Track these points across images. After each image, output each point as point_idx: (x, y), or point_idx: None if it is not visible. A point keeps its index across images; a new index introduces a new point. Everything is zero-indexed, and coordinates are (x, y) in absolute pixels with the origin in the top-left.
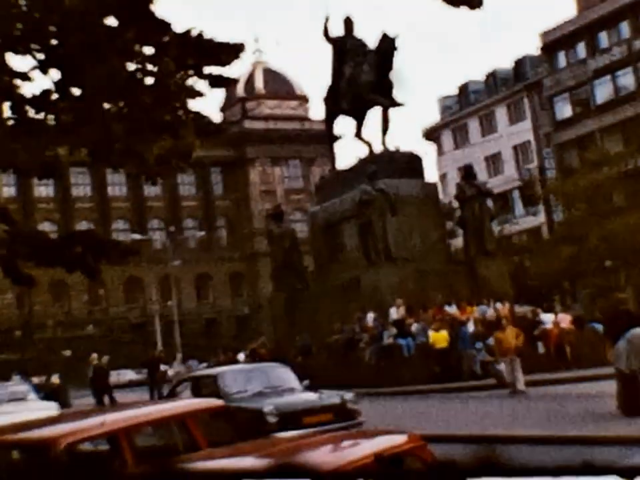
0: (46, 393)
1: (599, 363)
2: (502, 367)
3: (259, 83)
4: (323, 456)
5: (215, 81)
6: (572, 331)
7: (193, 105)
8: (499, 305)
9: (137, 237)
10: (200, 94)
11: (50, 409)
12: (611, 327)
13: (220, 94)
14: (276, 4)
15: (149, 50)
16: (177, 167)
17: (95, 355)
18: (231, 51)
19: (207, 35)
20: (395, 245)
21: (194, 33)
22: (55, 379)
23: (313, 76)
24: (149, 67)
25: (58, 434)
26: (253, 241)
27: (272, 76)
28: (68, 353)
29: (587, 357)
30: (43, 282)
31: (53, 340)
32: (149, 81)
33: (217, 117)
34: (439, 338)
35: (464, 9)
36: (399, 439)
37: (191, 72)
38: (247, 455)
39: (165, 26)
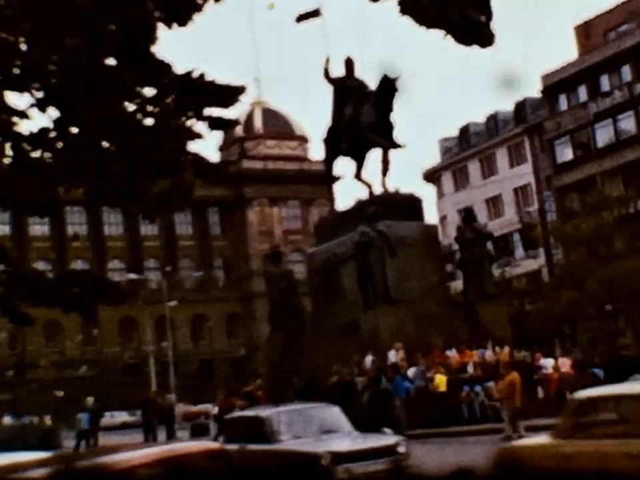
0: None
1: None
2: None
3: (258, 123)
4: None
5: (215, 123)
6: (572, 375)
7: (192, 146)
8: (497, 349)
9: (133, 276)
10: (199, 136)
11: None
12: (612, 372)
13: (218, 133)
14: (276, 44)
15: (149, 91)
16: (176, 206)
17: (90, 399)
18: (231, 94)
19: (208, 77)
20: (394, 287)
21: (195, 74)
22: (47, 419)
23: (313, 116)
24: (149, 107)
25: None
26: (250, 281)
27: (271, 116)
28: (61, 393)
29: None
30: (37, 322)
31: (45, 380)
32: (149, 121)
33: (215, 156)
34: (441, 382)
35: (475, 48)
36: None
37: (190, 113)
38: None
39: (165, 67)
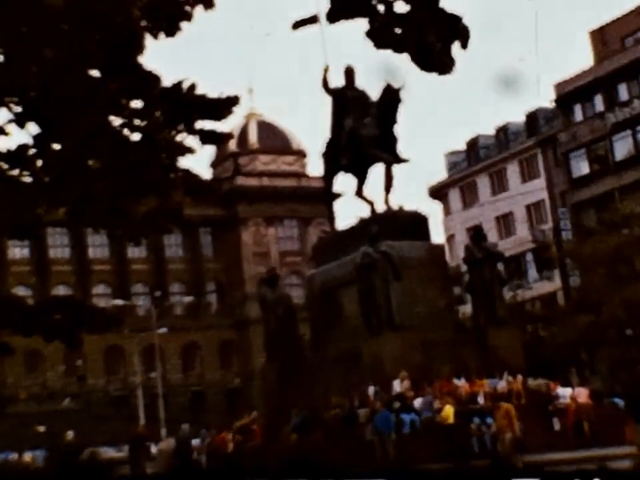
0: None
1: (619, 441)
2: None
3: (253, 137)
4: None
5: (207, 137)
6: (590, 406)
7: (183, 162)
8: (510, 378)
9: (120, 302)
10: (191, 150)
11: None
12: (634, 402)
13: (210, 149)
14: (272, 52)
15: (136, 104)
16: (165, 227)
17: (70, 433)
18: (224, 105)
19: (199, 88)
20: (398, 312)
21: (185, 85)
22: (27, 456)
23: (311, 129)
24: (136, 121)
25: None
26: (244, 307)
27: (267, 129)
28: (42, 428)
29: (606, 435)
30: (17, 352)
31: (26, 414)
32: (136, 136)
33: (206, 173)
34: (449, 413)
35: (434, 74)
36: None
37: (180, 127)
38: None
39: (153, 79)
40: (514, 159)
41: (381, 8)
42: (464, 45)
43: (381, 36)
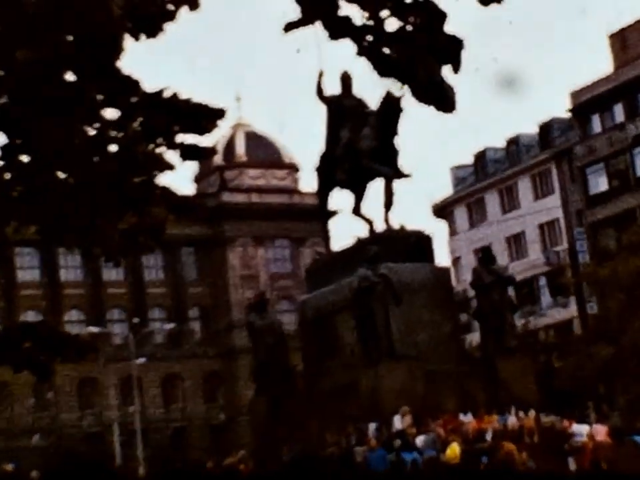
0: None
1: None
2: None
3: (240, 149)
4: None
5: (188, 152)
6: (609, 444)
7: (163, 177)
8: (521, 414)
9: (94, 329)
10: (170, 167)
11: None
12: None
13: (193, 163)
14: (261, 57)
15: (113, 113)
16: (145, 245)
17: (35, 473)
18: (209, 117)
19: (181, 97)
20: (399, 340)
21: (166, 94)
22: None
23: (304, 141)
24: (112, 132)
25: None
26: (231, 335)
27: (255, 141)
28: (10, 467)
29: (627, 477)
30: None
31: None
32: (112, 148)
33: (190, 188)
34: (455, 452)
35: (434, 110)
36: None
37: (160, 140)
38: None
39: (133, 85)
40: (526, 174)
41: (371, 23)
42: (456, 70)
43: (381, 59)
